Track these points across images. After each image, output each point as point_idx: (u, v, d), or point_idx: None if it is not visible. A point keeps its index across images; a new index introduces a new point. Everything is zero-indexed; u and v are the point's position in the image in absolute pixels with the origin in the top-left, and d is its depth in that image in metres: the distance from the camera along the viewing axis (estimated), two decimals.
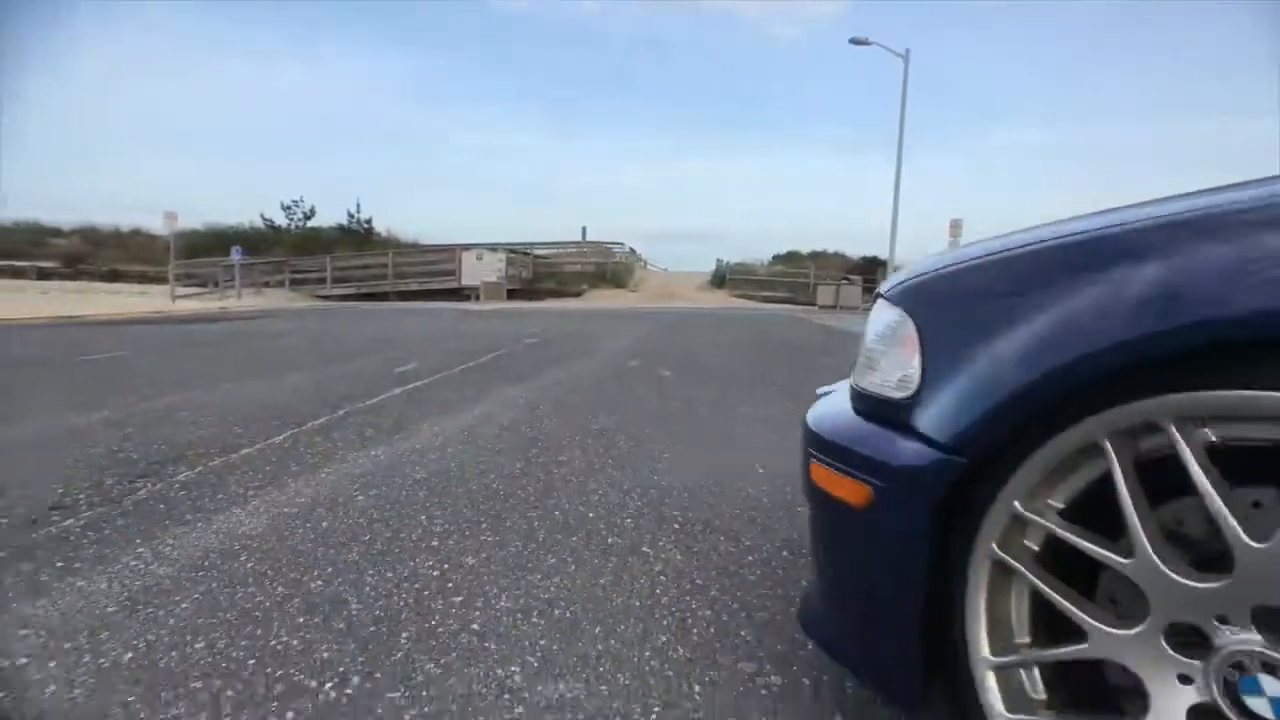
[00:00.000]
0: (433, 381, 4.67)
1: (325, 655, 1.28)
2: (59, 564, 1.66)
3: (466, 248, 22.40)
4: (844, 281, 22.03)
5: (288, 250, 25.58)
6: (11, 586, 1.53)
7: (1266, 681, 0.67)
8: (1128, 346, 0.70)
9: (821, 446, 1.02)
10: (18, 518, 1.97)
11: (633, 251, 29.99)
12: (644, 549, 1.82)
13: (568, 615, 1.45)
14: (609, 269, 25.87)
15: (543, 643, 1.34)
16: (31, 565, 1.65)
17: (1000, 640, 0.86)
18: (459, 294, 21.23)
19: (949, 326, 0.89)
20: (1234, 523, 0.66)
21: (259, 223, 30.72)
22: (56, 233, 29.76)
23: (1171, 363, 0.69)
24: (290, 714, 1.11)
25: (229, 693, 1.16)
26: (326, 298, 20.99)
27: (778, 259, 28.70)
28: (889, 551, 0.91)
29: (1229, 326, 0.65)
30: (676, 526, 1.98)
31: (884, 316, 0.99)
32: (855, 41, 18.57)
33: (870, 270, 22.45)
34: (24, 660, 1.24)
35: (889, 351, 0.96)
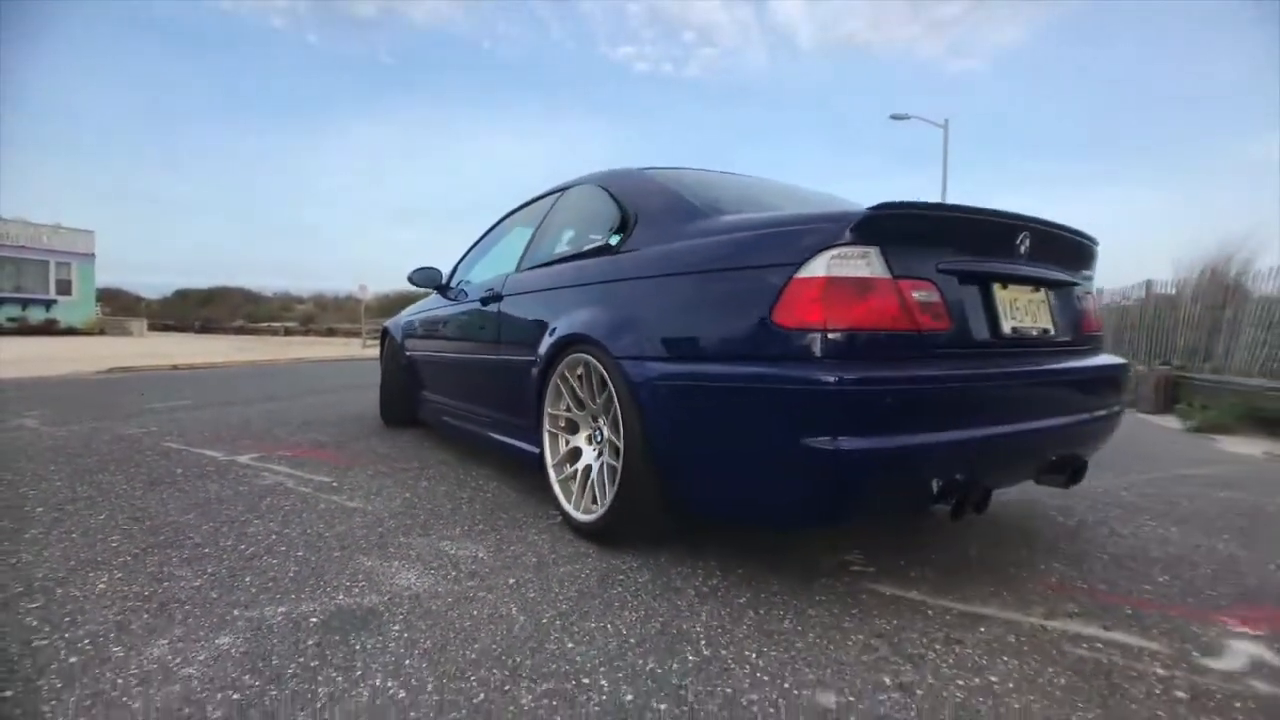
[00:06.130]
0: None
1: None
2: (291, 394, 6.05)
3: None
4: None
5: None
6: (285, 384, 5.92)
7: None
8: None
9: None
10: (289, 392, 6.45)
11: None
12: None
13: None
14: None
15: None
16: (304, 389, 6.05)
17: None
18: None
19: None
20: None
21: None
22: (299, 300, 39.86)
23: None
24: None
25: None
26: None
27: None
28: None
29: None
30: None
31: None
32: (895, 117, 20.38)
33: None
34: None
35: None
